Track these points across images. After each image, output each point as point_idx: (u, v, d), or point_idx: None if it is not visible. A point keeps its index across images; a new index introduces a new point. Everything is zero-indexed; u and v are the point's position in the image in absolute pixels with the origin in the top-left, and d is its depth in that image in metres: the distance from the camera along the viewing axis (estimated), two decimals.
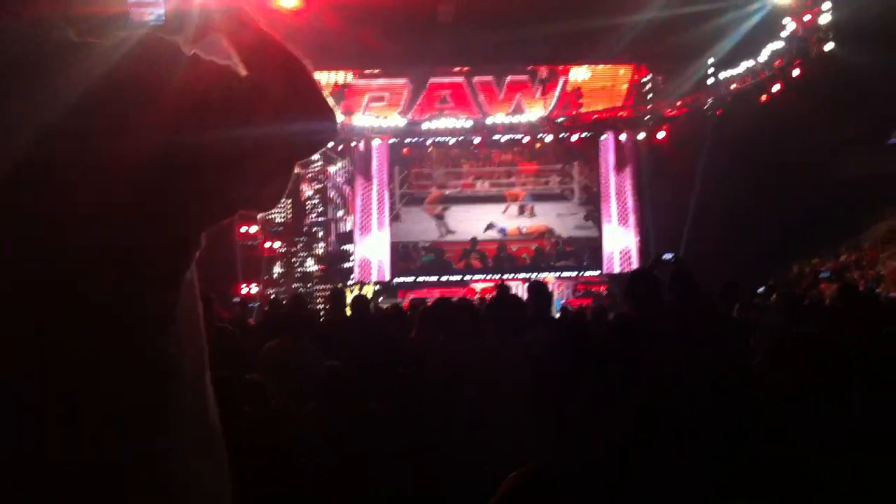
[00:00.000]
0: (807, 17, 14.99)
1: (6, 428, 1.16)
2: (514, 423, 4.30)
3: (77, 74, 1.20)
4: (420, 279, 20.32)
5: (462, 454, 4.33)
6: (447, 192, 20.82)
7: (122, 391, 1.22)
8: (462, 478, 4.22)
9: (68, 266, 1.17)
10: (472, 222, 20.55)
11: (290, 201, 20.23)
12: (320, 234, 21.00)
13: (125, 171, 1.17)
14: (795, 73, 15.80)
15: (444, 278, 20.21)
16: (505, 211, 20.67)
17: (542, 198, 20.76)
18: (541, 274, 18.98)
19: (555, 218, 20.64)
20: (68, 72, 1.21)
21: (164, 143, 1.18)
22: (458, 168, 20.95)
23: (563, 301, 18.12)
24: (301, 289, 20.11)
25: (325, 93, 1.43)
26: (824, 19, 14.89)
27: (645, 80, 19.69)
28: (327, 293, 19.33)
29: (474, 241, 20.46)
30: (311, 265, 20.98)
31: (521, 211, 20.68)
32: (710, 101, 18.01)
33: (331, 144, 19.54)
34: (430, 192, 20.81)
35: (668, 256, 17.10)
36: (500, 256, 20.40)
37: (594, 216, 20.64)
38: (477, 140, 19.72)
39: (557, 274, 19.86)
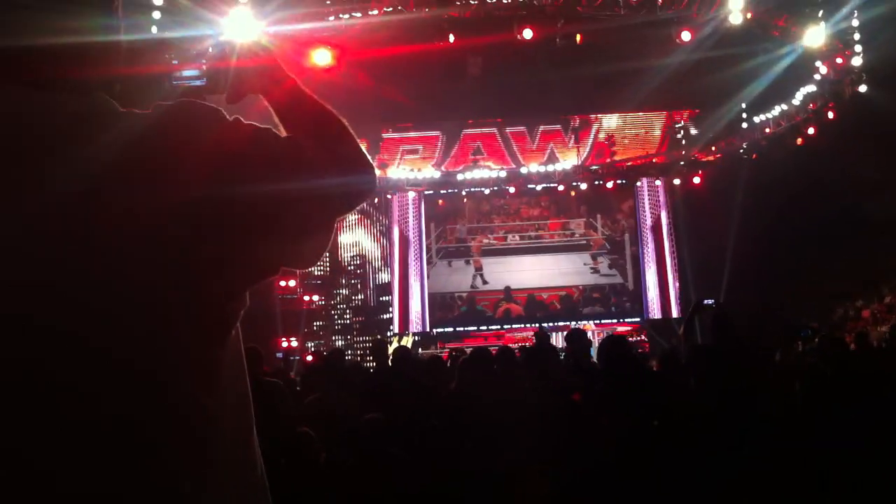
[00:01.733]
0: (839, 60, 14.92)
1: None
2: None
3: (120, 141, 1.22)
4: (458, 329, 20.33)
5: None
6: (481, 245, 21.13)
7: (161, 451, 1.21)
8: None
9: (106, 327, 1.17)
10: (504, 273, 20.89)
11: (328, 255, 20.42)
12: (358, 286, 21.14)
13: (164, 229, 1.18)
14: (830, 115, 15.70)
15: (482, 327, 20.20)
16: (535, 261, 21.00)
17: (568, 249, 21.11)
18: (579, 322, 18.90)
19: (581, 266, 20.96)
20: (112, 138, 1.22)
21: (203, 199, 1.19)
22: (490, 223, 21.29)
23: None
24: (340, 341, 20.19)
25: (363, 147, 1.44)
26: (856, 61, 14.80)
27: (678, 125, 19.72)
28: (368, 345, 19.42)
29: (507, 289, 20.68)
30: (349, 317, 21.10)
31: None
32: (744, 145, 17.96)
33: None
34: (468, 246, 21.13)
35: (708, 302, 16.91)
36: (532, 304, 20.59)
37: (618, 264, 20.91)
38: (511, 189, 19.85)
39: (596, 321, 19.78)
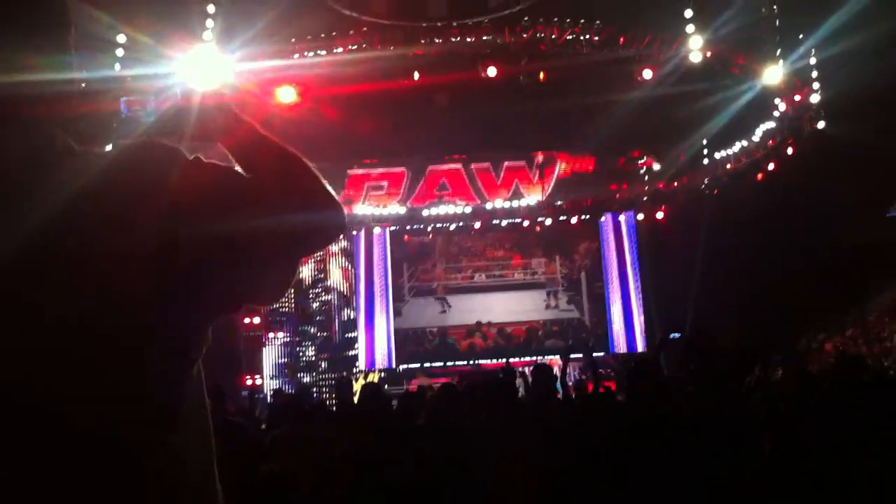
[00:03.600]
0: (797, 97, 15.24)
1: None
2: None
3: (75, 181, 1.20)
4: (426, 365, 20.27)
5: None
6: (450, 284, 21.64)
7: (125, 490, 1.19)
8: None
9: (62, 369, 1.15)
10: (472, 310, 21.37)
11: (292, 291, 20.23)
12: (324, 322, 20.94)
13: (121, 267, 1.17)
14: (789, 151, 15.99)
15: (449, 363, 20.14)
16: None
17: (530, 286, 21.75)
18: (546, 357, 19.01)
19: (541, 302, 21.60)
20: (69, 177, 1.21)
21: (162, 238, 1.18)
22: (458, 263, 21.80)
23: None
24: (307, 378, 19.97)
25: (326, 185, 1.43)
26: (814, 98, 15.13)
27: (640, 161, 19.97)
28: (332, 382, 19.27)
29: (478, 324, 21.01)
30: (314, 355, 20.88)
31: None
32: (706, 180, 18.21)
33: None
34: (438, 284, 21.60)
35: (674, 336, 17.08)
36: (500, 337, 21.01)
37: (575, 300, 21.52)
38: (477, 225, 19.93)
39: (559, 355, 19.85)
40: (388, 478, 4.60)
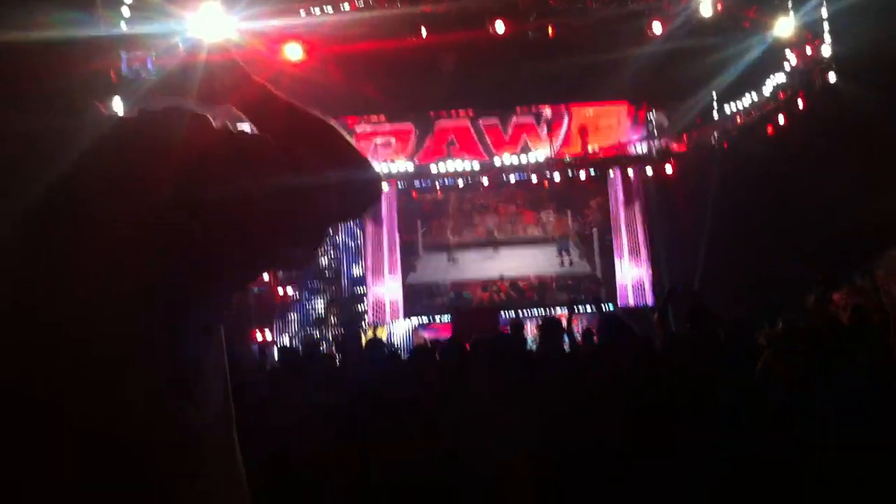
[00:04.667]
0: (808, 50, 15.05)
1: None
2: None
3: (104, 149, 1.20)
4: (438, 319, 20.42)
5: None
6: (463, 240, 21.77)
7: (146, 465, 1.18)
8: None
9: (80, 328, 1.14)
10: (485, 267, 21.46)
11: None
12: (333, 277, 21.04)
13: (150, 232, 1.16)
14: (800, 105, 15.83)
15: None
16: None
17: (541, 242, 21.81)
18: (558, 310, 19.26)
19: (554, 258, 21.62)
20: (97, 144, 1.20)
21: (190, 203, 1.18)
22: (471, 220, 21.84)
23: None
24: (315, 333, 20.13)
25: (352, 143, 1.40)
26: (826, 51, 14.94)
27: (650, 115, 19.82)
28: (341, 337, 19.43)
29: (491, 279, 21.13)
30: (324, 309, 21.02)
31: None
32: (715, 134, 18.07)
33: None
34: (449, 241, 21.70)
35: (678, 289, 17.09)
36: (513, 290, 21.10)
37: (588, 255, 21.54)
38: (486, 181, 19.90)
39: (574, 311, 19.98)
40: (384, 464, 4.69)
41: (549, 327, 6.92)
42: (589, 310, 18.60)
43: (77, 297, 1.15)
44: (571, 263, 21.54)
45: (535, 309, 19.96)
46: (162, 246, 1.18)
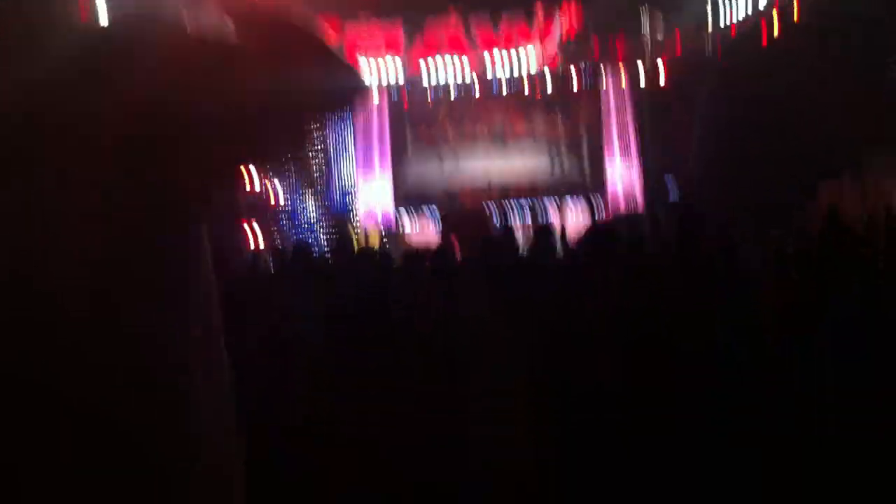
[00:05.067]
0: None
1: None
2: None
3: (75, 54, 1.21)
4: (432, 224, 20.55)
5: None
6: (454, 146, 21.71)
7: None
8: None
9: (76, 297, 1.13)
10: (477, 173, 21.45)
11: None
12: (324, 182, 20.96)
13: (113, 128, 1.16)
14: (795, 15, 15.60)
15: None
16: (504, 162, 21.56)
17: (534, 149, 21.80)
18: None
19: (545, 165, 21.70)
20: (65, 51, 1.20)
21: (152, 100, 1.19)
22: (462, 126, 21.69)
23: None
24: (310, 237, 20.18)
25: (333, 51, 1.41)
26: None
27: (643, 21, 19.46)
28: (333, 236, 19.56)
29: (484, 185, 21.15)
30: (316, 214, 21.00)
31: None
32: (709, 43, 17.82)
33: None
34: (441, 146, 21.67)
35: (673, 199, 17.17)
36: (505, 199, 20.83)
37: (578, 163, 21.66)
38: (477, 93, 19.75)
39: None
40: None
41: (542, 235, 6.89)
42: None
43: (71, 256, 1.13)
44: (562, 170, 21.59)
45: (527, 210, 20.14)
46: (139, 147, 1.19)
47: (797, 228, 13.88)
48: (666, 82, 18.96)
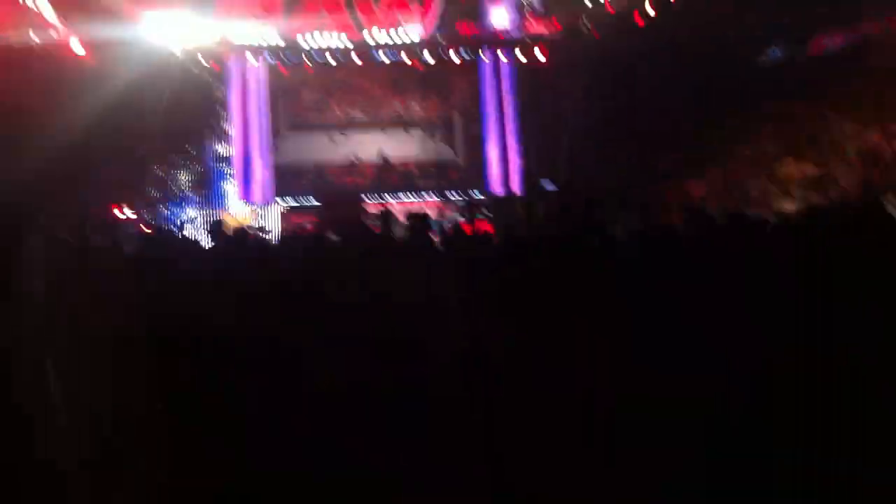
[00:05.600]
0: None
1: None
2: None
3: None
4: (305, 201, 20.21)
5: None
6: (326, 121, 21.62)
7: None
8: None
9: None
10: (349, 149, 21.39)
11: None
12: (199, 156, 20.26)
13: None
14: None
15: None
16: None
17: (406, 125, 21.87)
18: (425, 197, 19.75)
19: (417, 142, 21.79)
20: None
21: None
22: (334, 98, 21.69)
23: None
24: (183, 215, 19.50)
25: None
26: None
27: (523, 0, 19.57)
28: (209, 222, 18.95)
29: (355, 161, 21.16)
30: (189, 188, 20.30)
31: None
32: (587, 21, 18.03)
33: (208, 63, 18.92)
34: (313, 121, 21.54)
35: (549, 187, 17.41)
36: (378, 175, 21.08)
37: (450, 140, 21.87)
38: (358, 62, 19.42)
39: (440, 198, 20.22)
40: None
41: (417, 222, 6.86)
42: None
43: None
44: (434, 147, 21.70)
45: (399, 194, 20.16)
46: None
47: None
48: (544, 59, 19.12)
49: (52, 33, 16.36)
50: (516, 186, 19.77)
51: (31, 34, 16.16)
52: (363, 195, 19.49)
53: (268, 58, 19.57)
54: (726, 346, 4.23)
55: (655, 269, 5.00)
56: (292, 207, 20.28)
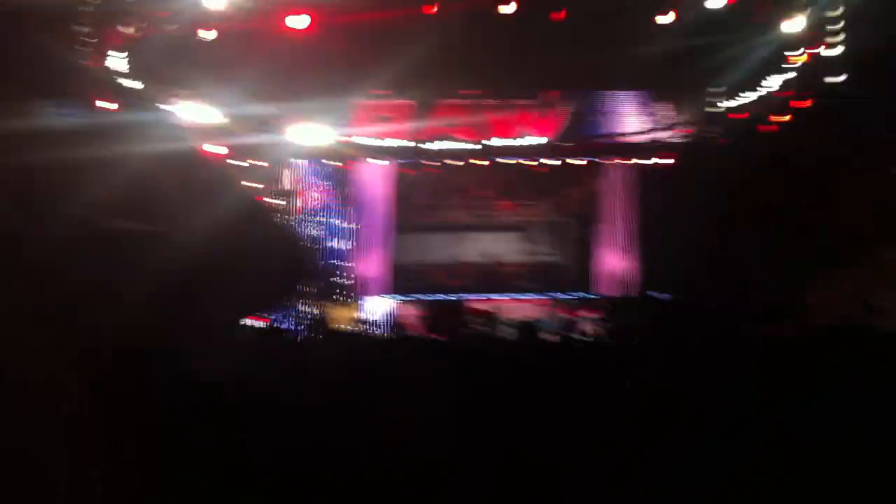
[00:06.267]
0: (815, 50, 15.00)
1: None
2: None
3: None
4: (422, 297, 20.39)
5: None
6: (433, 222, 21.99)
7: None
8: None
9: None
10: (452, 249, 21.89)
11: (290, 216, 20.05)
12: (319, 249, 20.73)
13: None
14: (803, 104, 15.79)
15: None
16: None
17: (513, 228, 22.21)
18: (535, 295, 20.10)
19: (525, 245, 22.05)
20: None
21: None
22: (445, 200, 22.08)
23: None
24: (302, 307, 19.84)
25: None
26: (832, 51, 14.89)
27: (651, 108, 19.69)
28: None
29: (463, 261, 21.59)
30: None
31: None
32: (717, 130, 17.98)
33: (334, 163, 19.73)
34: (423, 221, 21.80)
35: (664, 297, 17.09)
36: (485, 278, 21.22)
37: (559, 245, 21.99)
38: (485, 163, 19.82)
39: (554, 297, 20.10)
40: None
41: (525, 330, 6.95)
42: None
43: None
44: (540, 251, 21.89)
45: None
46: None
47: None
48: (673, 165, 19.06)
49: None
50: (630, 291, 19.48)
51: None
52: (468, 293, 19.72)
53: (395, 160, 20.13)
54: None
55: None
56: (404, 302, 20.41)
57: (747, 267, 15.70)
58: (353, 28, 14.02)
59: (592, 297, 19.85)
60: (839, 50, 14.78)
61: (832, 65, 15.04)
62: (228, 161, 16.50)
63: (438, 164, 19.93)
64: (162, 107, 12.20)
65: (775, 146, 16.05)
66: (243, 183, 16.84)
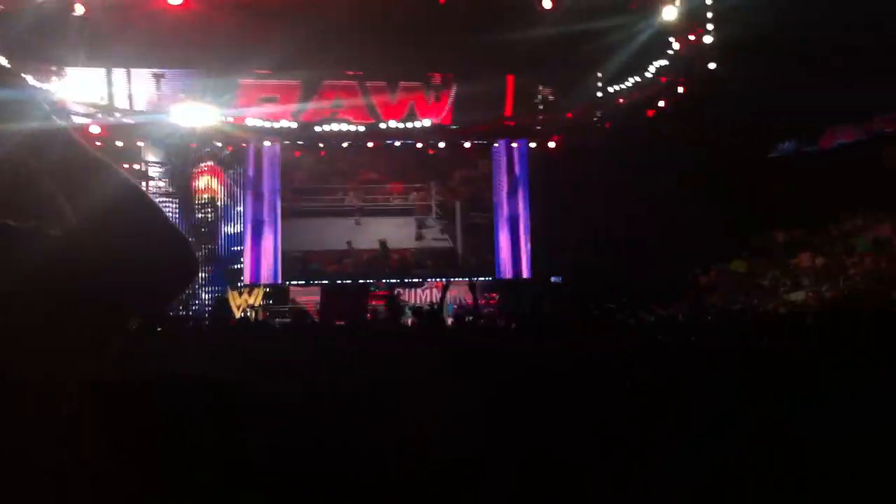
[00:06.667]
0: (691, 37, 15.50)
1: None
2: None
3: None
4: (313, 282, 20.11)
5: None
6: (321, 206, 21.69)
7: None
8: None
9: None
10: (341, 235, 21.38)
11: (177, 201, 19.55)
12: (209, 234, 20.33)
13: None
14: (680, 90, 16.32)
15: (338, 282, 20.04)
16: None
17: (404, 213, 22.13)
18: (433, 279, 19.75)
19: (415, 230, 21.90)
20: None
21: None
22: (332, 184, 21.80)
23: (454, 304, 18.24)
24: (188, 290, 19.43)
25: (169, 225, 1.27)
26: (708, 39, 15.42)
27: (536, 91, 19.96)
28: (214, 294, 18.93)
29: (348, 246, 21.11)
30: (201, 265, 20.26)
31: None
32: (599, 114, 18.39)
33: (221, 145, 19.30)
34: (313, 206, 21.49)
35: (555, 279, 17.46)
36: (373, 264, 20.86)
37: (448, 229, 21.92)
38: (370, 145, 19.66)
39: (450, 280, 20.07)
40: None
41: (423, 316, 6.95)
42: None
43: None
44: (431, 236, 21.82)
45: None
46: None
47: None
48: (556, 148, 19.38)
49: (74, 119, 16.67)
50: (525, 271, 19.78)
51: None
52: (366, 279, 19.58)
53: (281, 141, 19.77)
54: None
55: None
56: (298, 285, 20.15)
57: (639, 248, 16.13)
58: (235, 5, 13.70)
59: (489, 280, 19.98)
60: (712, 38, 15.32)
61: (710, 52, 15.59)
62: (105, 143, 15.88)
63: (325, 146, 19.72)
64: (32, 84, 11.54)
65: (656, 130, 16.54)
66: (122, 166, 16.24)
